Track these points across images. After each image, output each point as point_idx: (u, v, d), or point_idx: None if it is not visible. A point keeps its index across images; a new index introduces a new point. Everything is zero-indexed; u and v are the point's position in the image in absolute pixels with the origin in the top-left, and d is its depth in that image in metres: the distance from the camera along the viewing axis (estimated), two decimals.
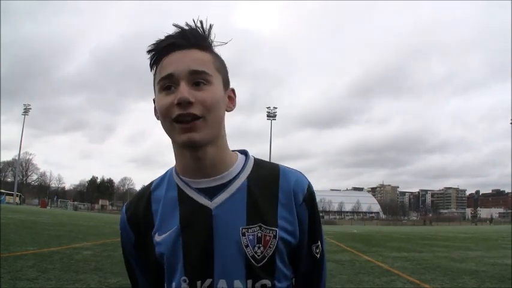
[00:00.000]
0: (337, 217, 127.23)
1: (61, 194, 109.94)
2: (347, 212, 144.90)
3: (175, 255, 0.92)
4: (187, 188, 0.96)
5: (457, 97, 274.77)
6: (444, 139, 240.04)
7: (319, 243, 1.02)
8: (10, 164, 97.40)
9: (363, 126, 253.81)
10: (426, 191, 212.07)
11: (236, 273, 0.90)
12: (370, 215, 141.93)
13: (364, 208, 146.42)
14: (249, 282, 0.89)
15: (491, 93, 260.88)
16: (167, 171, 1.04)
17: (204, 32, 0.94)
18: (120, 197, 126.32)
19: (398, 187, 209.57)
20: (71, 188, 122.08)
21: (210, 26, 0.95)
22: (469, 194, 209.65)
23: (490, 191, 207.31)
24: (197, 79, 0.89)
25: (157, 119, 0.96)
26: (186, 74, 0.88)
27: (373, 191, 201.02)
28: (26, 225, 18.03)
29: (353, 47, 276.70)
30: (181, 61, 0.90)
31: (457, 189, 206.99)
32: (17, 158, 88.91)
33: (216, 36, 0.96)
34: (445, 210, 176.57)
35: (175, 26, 0.93)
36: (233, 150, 1.03)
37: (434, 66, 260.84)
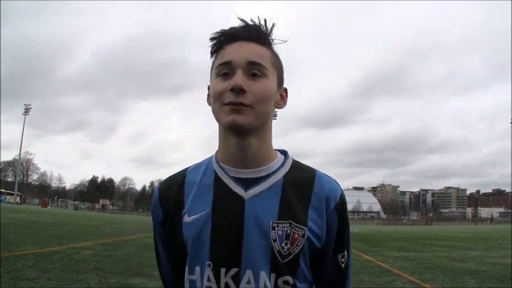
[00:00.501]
0: None
1: (61, 193, 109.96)
2: (348, 211, 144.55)
3: (202, 238, 0.93)
4: (224, 175, 0.98)
5: (457, 97, 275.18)
6: (444, 139, 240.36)
7: (345, 252, 1.03)
8: (11, 164, 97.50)
9: (363, 126, 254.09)
10: (427, 190, 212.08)
11: (261, 265, 0.90)
12: (371, 214, 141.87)
13: (364, 208, 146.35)
14: (273, 276, 0.91)
15: (491, 93, 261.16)
16: (206, 159, 1.06)
17: (266, 30, 0.98)
18: (120, 196, 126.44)
19: (398, 187, 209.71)
20: (72, 187, 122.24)
21: (273, 25, 0.99)
22: (470, 194, 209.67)
23: (491, 191, 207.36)
24: (253, 70, 0.93)
25: (209, 104, 0.99)
26: (244, 64, 0.92)
27: (373, 190, 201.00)
28: (26, 225, 18.04)
29: (353, 47, 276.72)
30: (241, 51, 0.94)
31: (457, 189, 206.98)
32: (17, 157, 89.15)
33: (276, 36, 1.00)
34: (446, 210, 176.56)
35: (241, 20, 0.97)
36: (275, 149, 1.05)
37: (435, 66, 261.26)
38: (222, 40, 0.97)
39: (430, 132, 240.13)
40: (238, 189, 0.95)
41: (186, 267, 0.95)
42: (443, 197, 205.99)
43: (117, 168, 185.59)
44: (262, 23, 0.98)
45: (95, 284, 6.35)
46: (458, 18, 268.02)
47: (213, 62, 0.99)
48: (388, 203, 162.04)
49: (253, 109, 0.91)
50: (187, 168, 1.06)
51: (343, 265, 1.02)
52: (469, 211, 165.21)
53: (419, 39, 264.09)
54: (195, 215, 0.95)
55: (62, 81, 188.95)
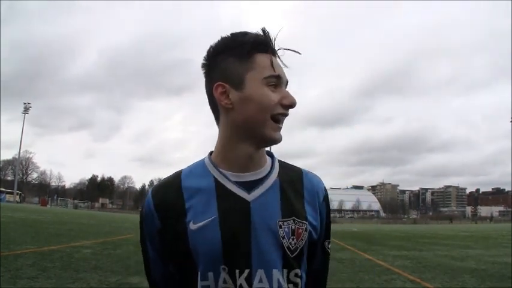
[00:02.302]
0: (337, 215, 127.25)
1: (61, 192, 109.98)
2: (347, 210, 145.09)
3: (213, 244, 0.94)
4: (225, 180, 0.99)
5: (460, 97, 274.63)
6: (446, 138, 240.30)
7: (331, 239, 1.13)
8: (10, 163, 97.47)
9: (366, 126, 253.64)
10: (426, 189, 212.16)
11: (273, 263, 0.94)
12: (370, 213, 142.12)
13: (364, 206, 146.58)
14: (285, 271, 0.96)
15: (494, 93, 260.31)
16: (197, 162, 1.06)
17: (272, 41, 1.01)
18: (120, 195, 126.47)
19: (398, 185, 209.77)
20: (71, 186, 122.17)
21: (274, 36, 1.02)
22: (469, 193, 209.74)
23: (490, 190, 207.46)
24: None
25: (225, 105, 0.98)
26: (286, 82, 1.01)
27: (373, 189, 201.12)
28: (26, 224, 18.06)
29: (358, 47, 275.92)
30: (282, 68, 1.00)
31: (457, 188, 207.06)
32: (17, 156, 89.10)
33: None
34: (445, 209, 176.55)
35: (263, 31, 0.99)
36: None
37: (439, 67, 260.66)
38: (256, 47, 0.98)
39: (432, 132, 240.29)
40: (241, 193, 0.98)
41: (199, 274, 0.94)
42: (443, 195, 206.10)
43: (118, 167, 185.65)
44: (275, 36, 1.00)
45: (95, 282, 6.35)
46: (463, 19, 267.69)
47: (245, 65, 0.97)
48: (387, 201, 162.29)
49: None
50: (180, 173, 1.04)
51: (329, 250, 1.12)
52: (468, 210, 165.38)
53: (424, 40, 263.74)
54: (201, 222, 0.95)
55: (68, 81, 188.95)
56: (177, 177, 1.03)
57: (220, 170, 1.00)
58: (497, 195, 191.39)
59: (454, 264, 10.42)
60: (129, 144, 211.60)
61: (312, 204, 1.04)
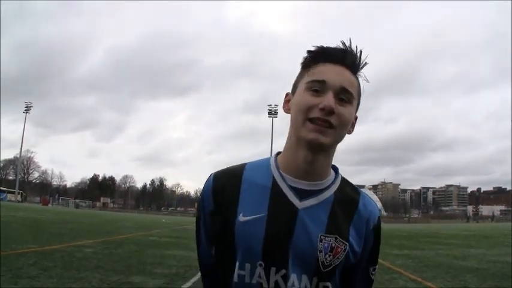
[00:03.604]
0: None
1: (62, 191, 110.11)
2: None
3: (256, 239, 0.98)
4: (282, 182, 1.03)
5: (463, 97, 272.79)
6: (449, 138, 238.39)
7: (376, 266, 1.13)
8: (12, 162, 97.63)
9: (370, 125, 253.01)
10: (427, 188, 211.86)
11: (304, 270, 0.98)
12: None
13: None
14: (315, 280, 0.98)
15: (496, 93, 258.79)
16: (264, 159, 1.11)
17: (360, 60, 1.04)
18: (121, 194, 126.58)
19: (399, 185, 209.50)
20: (73, 185, 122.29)
21: (361, 52, 1.04)
22: (471, 192, 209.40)
23: (492, 189, 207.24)
24: (343, 96, 0.99)
25: (285, 112, 1.08)
26: (337, 88, 0.98)
27: (374, 188, 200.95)
28: (27, 223, 18.08)
29: (361, 47, 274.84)
30: (337, 74, 1.00)
31: (458, 187, 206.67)
32: (18, 156, 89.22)
33: (365, 66, 1.06)
34: (447, 208, 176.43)
35: (342, 43, 1.03)
36: None
37: (441, 67, 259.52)
38: (318, 56, 1.02)
39: (434, 131, 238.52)
40: (293, 199, 1.01)
41: (237, 262, 0.99)
42: (444, 195, 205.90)
43: (121, 166, 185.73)
44: (358, 52, 1.03)
45: (96, 282, 6.35)
46: (467, 19, 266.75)
47: (302, 74, 1.05)
48: (389, 201, 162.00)
49: (335, 131, 0.98)
50: (245, 165, 1.10)
51: (372, 277, 1.12)
52: (470, 209, 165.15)
53: (427, 40, 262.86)
54: (251, 216, 1.00)
55: (74, 81, 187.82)
56: (240, 168, 1.09)
57: (281, 172, 1.05)
58: (498, 195, 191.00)
59: (455, 264, 10.41)
60: (132, 144, 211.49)
61: (358, 228, 1.04)
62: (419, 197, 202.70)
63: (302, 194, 1.01)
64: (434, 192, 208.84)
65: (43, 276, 6.45)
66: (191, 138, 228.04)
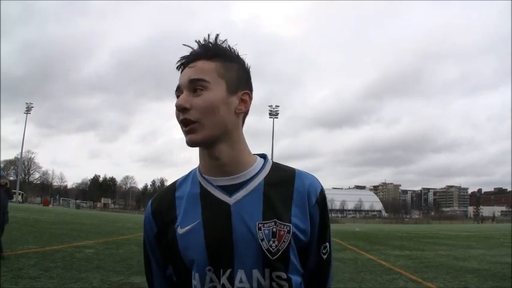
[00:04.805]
0: (340, 215, 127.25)
1: (63, 192, 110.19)
2: (349, 210, 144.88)
3: (198, 247, 0.98)
4: (209, 185, 1.04)
5: (464, 98, 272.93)
6: (450, 138, 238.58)
7: (327, 244, 1.09)
8: (12, 163, 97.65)
9: (373, 126, 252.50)
10: (428, 189, 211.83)
11: (253, 264, 0.97)
12: (373, 213, 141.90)
13: (366, 206, 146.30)
14: (267, 271, 0.96)
15: (498, 95, 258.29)
16: (191, 171, 1.12)
17: (210, 43, 1.04)
18: (122, 195, 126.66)
19: (400, 185, 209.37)
20: (73, 186, 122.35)
21: (217, 36, 1.05)
22: (471, 192, 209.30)
23: (492, 190, 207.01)
24: (194, 86, 0.99)
25: None
26: (187, 84, 1.00)
27: (375, 189, 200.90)
28: (28, 224, 18.09)
29: (365, 49, 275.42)
30: (185, 73, 1.02)
31: (459, 188, 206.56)
32: (19, 156, 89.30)
33: (236, 46, 1.06)
34: (447, 209, 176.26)
35: (186, 45, 1.05)
36: (254, 154, 1.11)
37: (444, 68, 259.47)
38: (178, 69, 1.06)
39: (436, 132, 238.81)
40: (223, 197, 1.01)
41: (192, 273, 1.00)
42: (445, 195, 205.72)
43: (123, 167, 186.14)
44: (207, 38, 1.04)
45: (97, 282, 6.36)
46: (471, 21, 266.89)
47: None
48: (389, 201, 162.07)
49: (201, 123, 0.98)
50: (176, 182, 1.12)
51: (324, 256, 1.08)
52: (470, 210, 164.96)
53: (431, 42, 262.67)
54: (187, 226, 1.00)
55: (79, 82, 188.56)
56: (172, 186, 1.11)
57: (205, 176, 1.05)
58: (499, 195, 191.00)
59: (456, 264, 10.40)
60: (135, 144, 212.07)
61: (300, 206, 1.02)
62: (420, 198, 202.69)
63: (230, 190, 1.01)
64: (435, 193, 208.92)
65: (44, 276, 6.46)
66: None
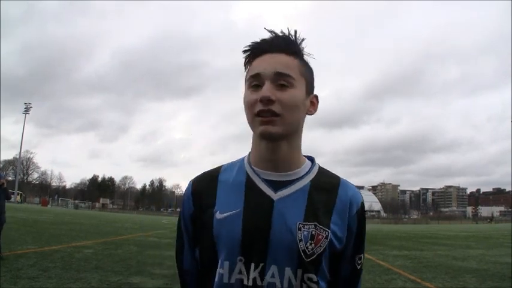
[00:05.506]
0: None
1: (62, 192, 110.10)
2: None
3: (234, 235, 0.98)
4: (256, 177, 1.04)
5: (464, 98, 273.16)
6: (450, 139, 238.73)
7: (362, 255, 1.11)
8: (11, 163, 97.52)
9: (373, 127, 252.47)
10: (427, 189, 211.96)
11: (287, 262, 0.97)
12: (371, 213, 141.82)
13: (365, 207, 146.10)
14: (299, 271, 0.96)
15: (497, 95, 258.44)
16: (239, 159, 1.13)
17: (295, 39, 1.05)
18: (120, 195, 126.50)
19: (399, 185, 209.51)
20: (72, 186, 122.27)
21: (295, 33, 1.06)
22: (470, 193, 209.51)
23: (491, 190, 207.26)
24: (281, 81, 0.99)
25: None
26: (272, 75, 0.98)
27: (374, 189, 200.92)
28: (27, 224, 18.07)
29: (366, 49, 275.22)
30: (269, 63, 1.00)
31: (457, 188, 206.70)
32: (17, 156, 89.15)
33: (306, 46, 1.06)
34: (446, 209, 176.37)
35: (270, 31, 1.05)
36: (303, 155, 1.12)
37: (444, 69, 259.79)
38: (252, 53, 1.04)
39: (436, 132, 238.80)
40: (268, 191, 1.02)
41: (219, 261, 0.99)
42: (443, 195, 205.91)
43: (122, 167, 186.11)
44: (292, 33, 1.04)
45: (96, 282, 6.36)
46: (471, 22, 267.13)
47: (246, 74, 1.06)
48: (388, 202, 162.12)
49: (283, 118, 0.97)
50: (221, 166, 1.13)
51: (358, 266, 1.10)
52: (469, 210, 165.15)
53: (432, 42, 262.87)
54: (227, 213, 1.01)
55: (79, 82, 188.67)
56: (216, 170, 1.12)
57: (253, 167, 1.06)
58: (498, 195, 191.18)
59: (455, 264, 10.42)
60: (135, 144, 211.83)
61: (341, 215, 1.03)
62: (419, 198, 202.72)
63: (276, 186, 1.02)
64: (433, 193, 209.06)
65: (42, 276, 6.45)
66: (194, 139, 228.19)
